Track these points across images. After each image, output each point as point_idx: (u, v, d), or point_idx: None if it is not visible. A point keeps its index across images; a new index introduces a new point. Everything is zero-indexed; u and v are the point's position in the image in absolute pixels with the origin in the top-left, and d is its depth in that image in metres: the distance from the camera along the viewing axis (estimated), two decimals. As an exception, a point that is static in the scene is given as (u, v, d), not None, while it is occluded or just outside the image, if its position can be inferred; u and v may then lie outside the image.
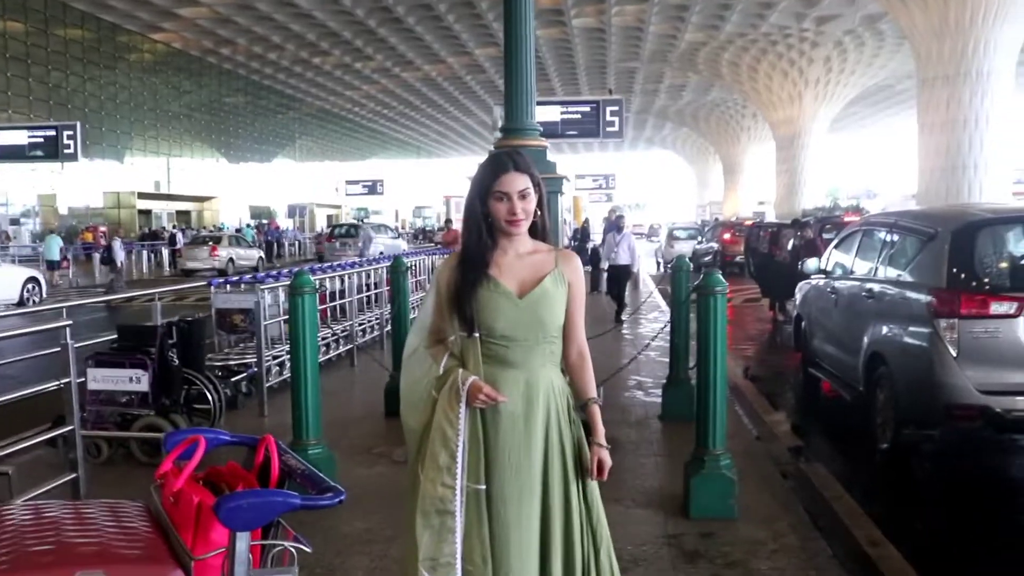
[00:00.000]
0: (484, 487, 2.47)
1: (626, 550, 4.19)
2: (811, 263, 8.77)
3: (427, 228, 55.55)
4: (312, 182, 67.21)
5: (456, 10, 32.54)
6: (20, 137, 24.37)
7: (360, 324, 10.65)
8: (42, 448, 5.55)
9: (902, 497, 5.59)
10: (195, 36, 39.09)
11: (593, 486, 2.63)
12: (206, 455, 2.17)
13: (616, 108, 14.49)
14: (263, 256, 31.05)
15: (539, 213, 2.60)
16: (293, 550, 1.96)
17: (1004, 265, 5.85)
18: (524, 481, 2.49)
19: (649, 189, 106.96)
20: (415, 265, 12.86)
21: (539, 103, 10.04)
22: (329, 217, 64.10)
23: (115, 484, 5.35)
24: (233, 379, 7.72)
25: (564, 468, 2.55)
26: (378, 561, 4.19)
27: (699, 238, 28.11)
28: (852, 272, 7.62)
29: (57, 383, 4.89)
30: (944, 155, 20.98)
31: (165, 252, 31.21)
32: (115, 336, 6.31)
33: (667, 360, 7.55)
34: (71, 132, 23.80)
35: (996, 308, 5.41)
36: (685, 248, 25.20)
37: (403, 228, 58.81)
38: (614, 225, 14.60)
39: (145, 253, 30.52)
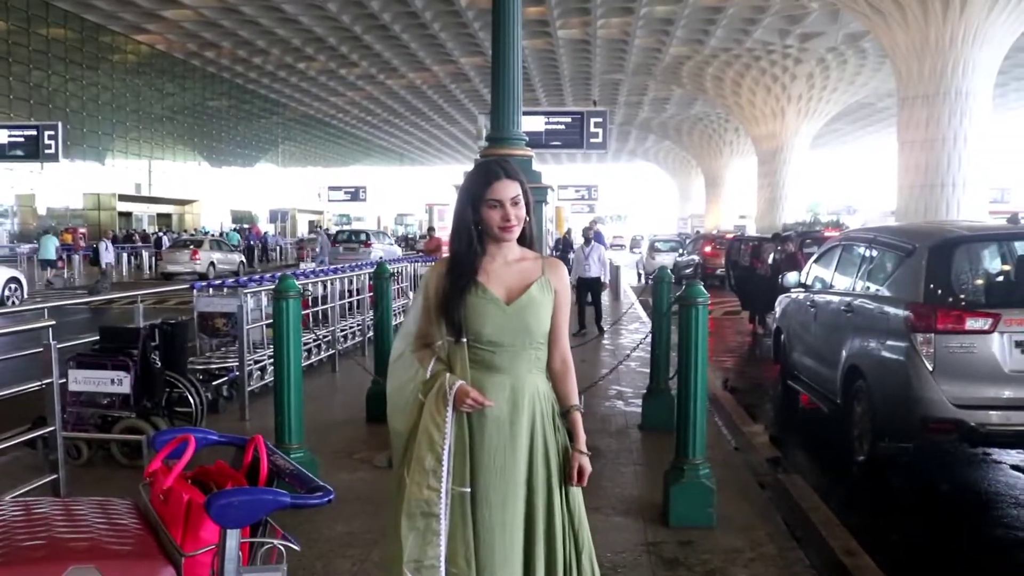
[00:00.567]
0: (469, 490, 2.50)
1: (606, 557, 4.23)
2: (791, 277, 8.86)
3: (409, 236, 55.50)
4: (294, 188, 67.02)
5: (442, 19, 32.62)
6: (0, 136, 24.18)
7: (342, 330, 10.64)
8: (21, 449, 5.52)
9: (878, 508, 5.66)
10: (179, 38, 39.00)
11: (576, 492, 2.67)
12: (194, 455, 2.19)
13: (600, 120, 14.62)
14: (244, 261, 30.92)
15: (527, 220, 2.64)
16: (282, 548, 1.98)
17: (980, 282, 5.96)
18: (508, 485, 2.52)
19: (631, 201, 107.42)
20: (399, 272, 12.88)
21: (523, 113, 10.11)
22: (311, 223, 63.92)
23: (95, 486, 5.33)
24: (214, 383, 7.72)
25: (548, 473, 2.58)
26: (359, 564, 4.21)
27: (680, 250, 28.23)
28: (831, 286, 7.71)
29: (39, 384, 4.88)
30: (923, 173, 21.23)
31: (145, 255, 31.00)
32: (97, 338, 6.30)
33: (647, 371, 7.60)
34: (52, 132, 23.63)
35: (972, 324, 5.50)
36: (666, 260, 25.32)
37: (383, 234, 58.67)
38: (590, 237, 14.66)
39: (125, 256, 30.31)
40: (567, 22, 32.67)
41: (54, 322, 5.16)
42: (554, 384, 2.71)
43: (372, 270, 9.32)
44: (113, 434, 5.91)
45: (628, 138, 65.92)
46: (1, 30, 36.19)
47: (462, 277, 2.56)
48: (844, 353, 6.69)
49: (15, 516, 2.02)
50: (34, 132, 23.98)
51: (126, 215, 44.40)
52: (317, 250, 28.80)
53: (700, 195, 64.36)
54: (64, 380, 5.65)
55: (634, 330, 13.67)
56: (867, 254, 7.06)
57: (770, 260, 14.49)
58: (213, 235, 35.49)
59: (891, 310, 6.03)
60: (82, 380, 5.90)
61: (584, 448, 2.64)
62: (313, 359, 9.77)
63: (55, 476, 4.88)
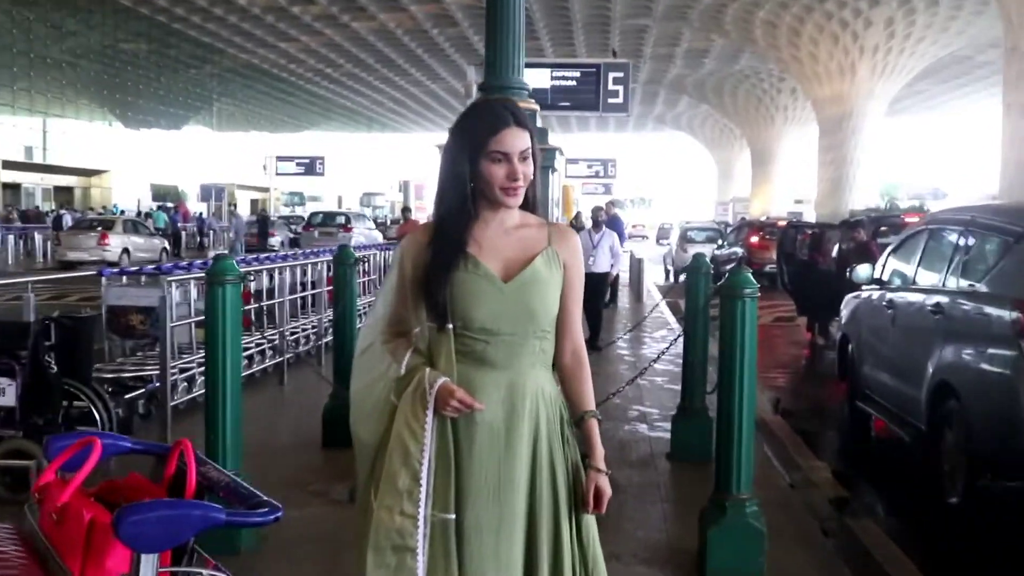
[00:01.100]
0: (454, 517, 2.48)
1: (627, 617, 4.20)
2: (863, 270, 8.85)
3: (379, 219, 55.55)
4: (233, 158, 67.03)
5: (422, -57, 32.63)
6: None
7: (293, 332, 10.61)
8: None
9: (975, 563, 5.62)
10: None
11: (590, 522, 2.65)
12: (100, 467, 2.14)
13: (621, 74, 14.61)
14: (168, 248, 30.91)
15: (531, 178, 2.63)
16: (211, 580, 1.93)
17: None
18: (504, 511, 2.50)
19: (658, 181, 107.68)
20: (367, 260, 12.84)
21: (526, 64, 10.10)
22: (254, 202, 63.94)
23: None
24: (127, 396, 7.66)
25: (555, 496, 2.56)
26: (311, 623, 4.17)
27: (719, 241, 28.26)
28: (915, 282, 7.70)
29: None
30: (1035, 143, 21.17)
31: (38, 239, 30.95)
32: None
33: (677, 387, 7.61)
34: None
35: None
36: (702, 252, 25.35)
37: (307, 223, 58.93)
38: (601, 220, 14.33)
39: (11, 240, 30.25)
40: (581, -50, 32.70)
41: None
42: (564, 384, 2.70)
43: (331, 257, 9.30)
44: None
45: (655, 101, 65.88)
46: None
47: (448, 247, 2.55)
48: (932, 366, 6.67)
49: None
50: None
51: (12, 187, 44.27)
52: (231, 235, 29.11)
53: (745, 174, 64.36)
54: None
55: (660, 339, 13.70)
56: (962, 241, 7.04)
57: (834, 252, 14.48)
58: (129, 215, 35.50)
59: (994, 311, 6.01)
60: (-49, 390, 5.84)
61: (602, 464, 2.62)
62: (256, 367, 9.74)
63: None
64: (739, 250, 25.27)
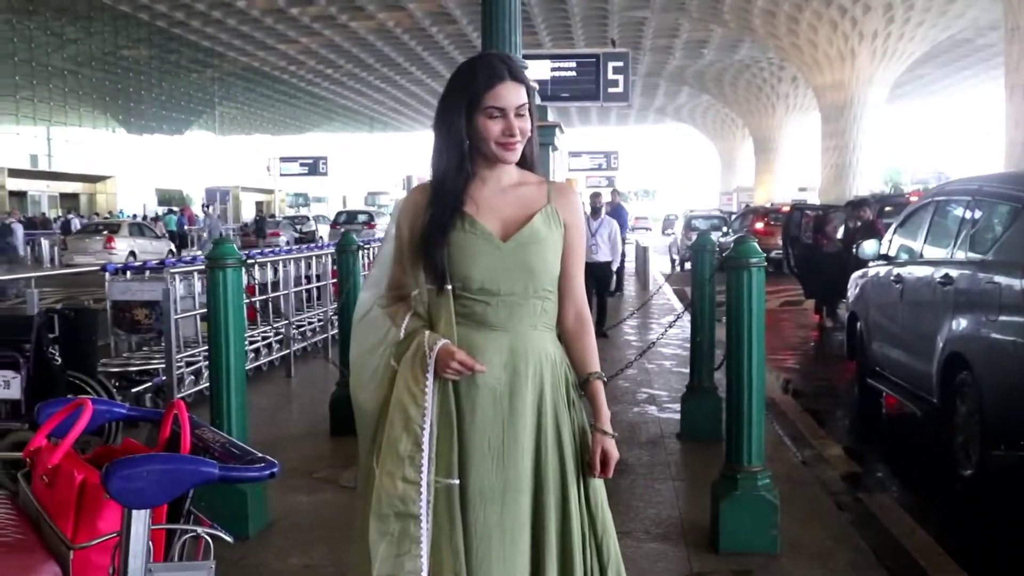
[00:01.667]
0: (457, 482, 2.42)
1: (640, 591, 4.14)
2: (869, 246, 8.78)
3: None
4: (237, 161, 67.05)
5: (420, -59, 32.55)
6: None
7: (299, 325, 10.57)
8: None
9: (991, 535, 5.55)
10: (86, -31, 38.79)
11: (598, 486, 2.59)
12: (95, 432, 2.08)
13: (620, 64, 14.40)
14: (174, 250, 30.96)
15: (529, 136, 2.58)
16: (208, 539, 1.86)
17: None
18: (509, 475, 2.45)
19: (661, 172, 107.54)
20: (369, 247, 12.80)
21: (526, 56, 10.01)
22: (259, 204, 63.91)
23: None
24: (134, 390, 7.63)
25: (561, 460, 2.51)
26: (319, 605, 4.12)
27: (724, 229, 28.23)
28: (922, 256, 7.62)
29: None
30: (1037, 124, 21.08)
31: (46, 244, 30.99)
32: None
33: (686, 370, 7.57)
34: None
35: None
36: (707, 241, 25.38)
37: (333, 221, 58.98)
38: (599, 207, 13.86)
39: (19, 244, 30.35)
40: (578, -57, 32.60)
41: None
42: (567, 346, 2.64)
43: (334, 250, 9.26)
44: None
45: (655, 93, 65.83)
46: None
47: (445, 207, 2.49)
48: (942, 339, 6.59)
49: None
50: None
51: (19, 195, 44.29)
52: (204, 235, 29.30)
53: (748, 163, 64.37)
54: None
55: (667, 324, 13.53)
56: (969, 212, 6.95)
57: (839, 234, 14.39)
58: (137, 218, 35.59)
59: (1004, 279, 5.92)
60: (-43, 383, 5.78)
61: (608, 427, 2.57)
62: (263, 360, 9.75)
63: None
64: (748, 236, 25.27)
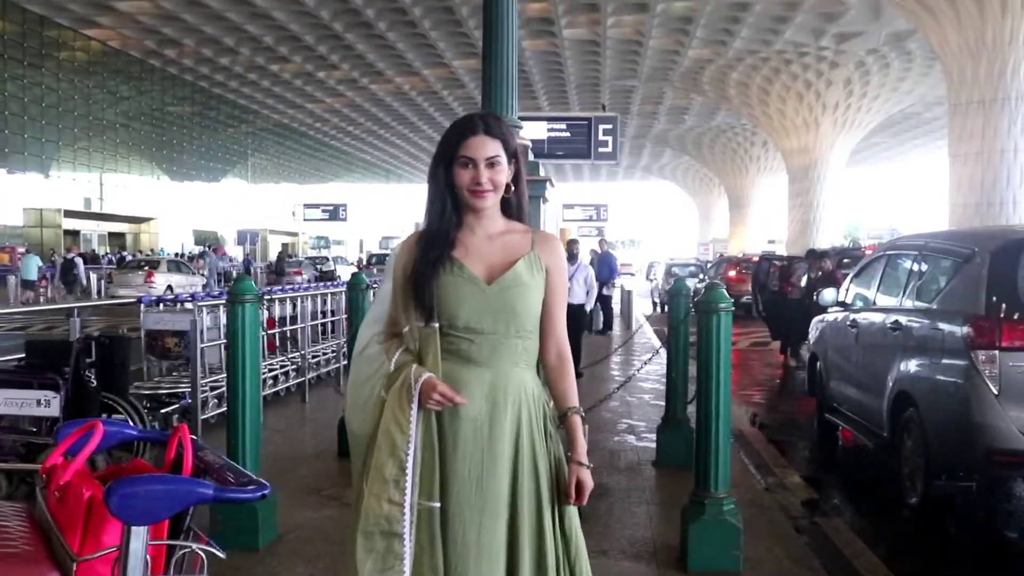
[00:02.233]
0: (439, 505, 2.39)
1: (613, 605, 4.05)
2: (828, 294, 8.75)
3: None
4: (265, 206, 67.17)
5: (432, 16, 32.74)
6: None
7: (314, 355, 10.50)
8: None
9: (933, 557, 5.47)
10: (135, 34, 38.97)
11: (572, 513, 2.54)
12: (108, 451, 2.02)
13: (610, 126, 14.46)
14: (208, 285, 30.91)
15: (513, 188, 2.57)
16: (203, 555, 1.81)
17: (1051, 292, 5.80)
18: (487, 500, 2.40)
19: (645, 224, 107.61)
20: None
21: (523, 118, 10.01)
22: (284, 245, 63.95)
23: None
24: (163, 411, 7.55)
25: (536, 488, 2.46)
26: (320, 612, 4.03)
27: (700, 276, 28.20)
28: (875, 303, 7.58)
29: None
30: (978, 189, 21.15)
31: (94, 278, 30.98)
32: (23, 355, 6.14)
33: (663, 403, 7.49)
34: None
35: (1043, 339, 5.35)
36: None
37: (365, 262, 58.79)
38: (575, 253, 13.06)
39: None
40: (574, 20, 32.77)
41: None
42: (549, 383, 2.61)
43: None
44: (38, 464, 5.73)
45: (641, 153, 66.11)
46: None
47: (434, 249, 2.48)
48: (891, 379, 6.54)
49: None
50: (-36, 136, 24.08)
51: (72, 233, 44.34)
52: (204, 272, 29.37)
53: (723, 217, 64.51)
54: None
55: (646, 358, 13.46)
56: (916, 265, 6.92)
57: (803, 282, 14.35)
58: (182, 254, 35.63)
59: (947, 326, 5.88)
60: (3, 401, 5.72)
61: (584, 459, 2.51)
62: (280, 386, 9.67)
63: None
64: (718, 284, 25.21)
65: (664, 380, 7.53)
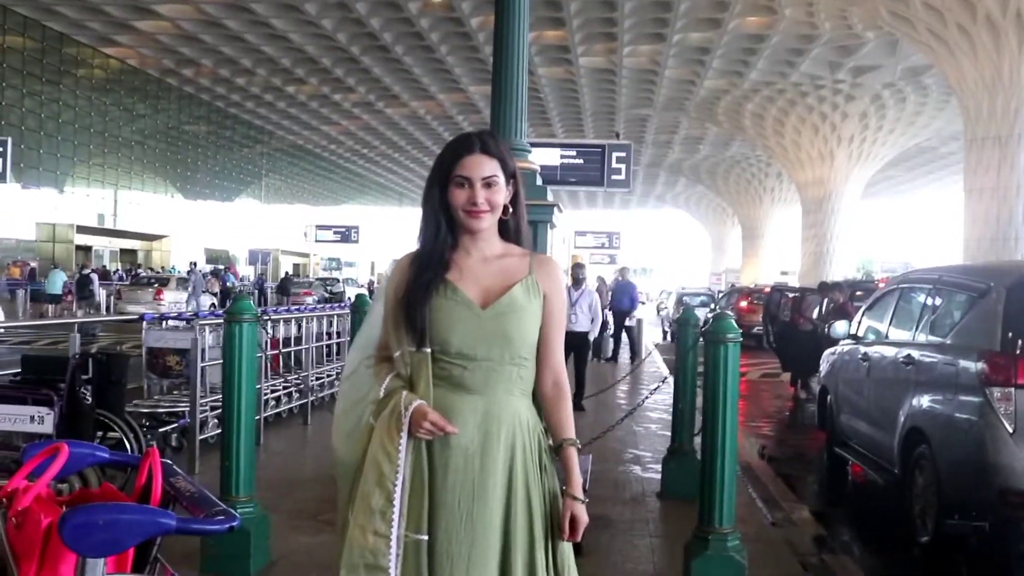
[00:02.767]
0: (426, 538, 2.30)
1: (611, 643, 3.92)
2: (840, 326, 8.64)
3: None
4: (278, 226, 67.30)
5: (450, 41, 32.85)
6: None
7: (318, 377, 10.42)
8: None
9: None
10: (153, 53, 39.27)
11: (565, 549, 2.44)
12: (73, 473, 1.92)
13: (623, 154, 14.42)
14: (216, 304, 30.93)
15: (511, 210, 2.50)
16: (167, 590, 1.70)
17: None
18: (478, 533, 2.31)
19: (658, 252, 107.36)
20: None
21: (535, 145, 9.93)
22: (295, 266, 64.08)
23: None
24: (161, 429, 7.47)
25: (530, 522, 2.36)
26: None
27: (712, 305, 28.07)
28: (887, 337, 7.46)
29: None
30: (994, 224, 21.00)
31: (103, 293, 31.02)
32: (19, 370, 6.06)
33: (669, 433, 7.37)
34: (1, 149, 23.69)
35: (1060, 376, 5.22)
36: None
37: (377, 283, 58.71)
38: (581, 278, 12.33)
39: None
40: (590, 48, 32.84)
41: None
42: (545, 412, 2.52)
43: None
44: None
45: (655, 181, 66.07)
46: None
47: (428, 271, 2.40)
48: (903, 414, 6.41)
49: None
50: (-21, 148, 24.16)
51: (84, 249, 44.42)
52: (189, 290, 29.37)
53: (736, 248, 64.31)
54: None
55: (654, 390, 13.33)
56: (930, 299, 6.80)
57: (815, 314, 14.21)
58: (193, 271, 35.68)
59: (961, 361, 5.75)
60: (-4, 416, 5.63)
61: (579, 493, 2.42)
62: (282, 407, 9.56)
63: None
64: (730, 314, 25.05)
65: (671, 410, 7.42)
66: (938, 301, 6.66)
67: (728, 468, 4.49)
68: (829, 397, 8.79)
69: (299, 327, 10.27)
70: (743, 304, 24.99)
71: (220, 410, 7.81)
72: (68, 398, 5.72)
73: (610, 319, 18.20)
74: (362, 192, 78.97)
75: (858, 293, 14.61)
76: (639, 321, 19.67)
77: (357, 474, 2.36)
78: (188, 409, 7.56)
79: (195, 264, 44.36)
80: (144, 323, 8.21)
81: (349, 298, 37.56)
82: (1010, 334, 5.46)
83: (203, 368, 7.58)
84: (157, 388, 8.40)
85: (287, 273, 43.55)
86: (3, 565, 1.73)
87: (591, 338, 12.01)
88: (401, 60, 35.53)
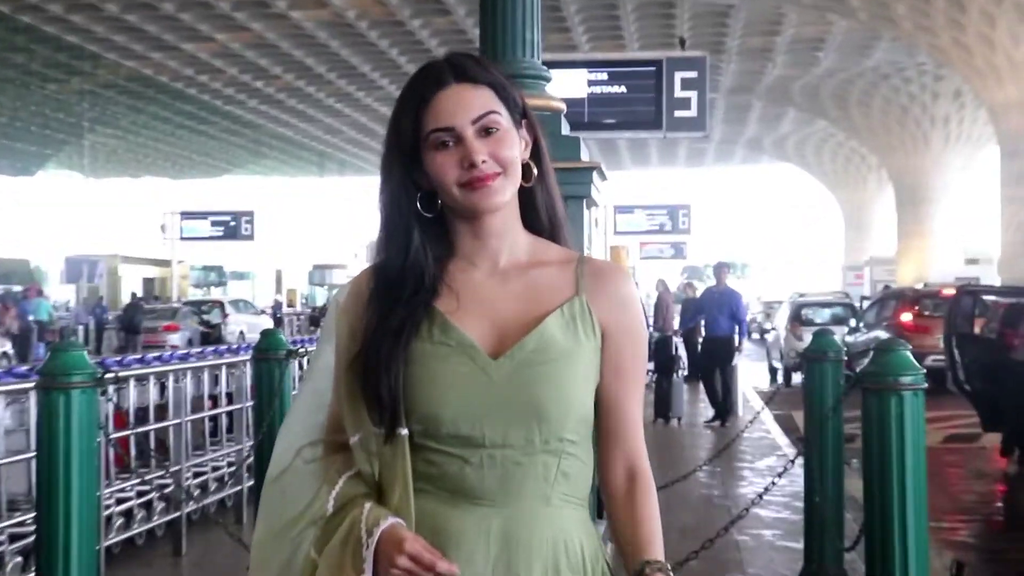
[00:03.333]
0: None
1: None
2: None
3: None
4: (115, 217, 67.60)
5: None
6: None
7: (196, 473, 10.47)
8: None
9: None
10: None
11: None
12: None
13: (694, 74, 14.33)
14: (8, 353, 31.19)
15: (534, 174, 2.50)
16: None
17: None
18: None
19: (753, 237, 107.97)
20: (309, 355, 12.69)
21: (549, 64, 9.88)
22: (148, 283, 64.20)
23: None
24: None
25: None
26: None
27: (852, 322, 28.17)
28: None
29: None
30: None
31: None
32: None
33: (796, 544, 7.48)
34: None
35: None
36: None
37: (287, 305, 59.09)
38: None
39: None
40: None
41: None
42: (613, 522, 2.51)
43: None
44: None
45: (745, 118, 66.29)
46: None
47: (398, 301, 2.40)
48: None
49: None
50: None
51: None
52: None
53: (887, 223, 64.59)
54: None
55: (765, 470, 13.63)
56: None
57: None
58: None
59: None
60: None
61: None
62: (137, 528, 9.55)
63: None
64: (884, 335, 25.08)
65: (799, 505, 7.46)
66: None
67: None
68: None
69: (162, 390, 10.30)
70: (906, 318, 25.16)
71: (28, 539, 7.85)
72: None
73: (682, 350, 18.30)
74: (256, 153, 79.14)
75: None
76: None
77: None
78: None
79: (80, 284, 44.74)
80: None
81: (240, 335, 37.87)
82: None
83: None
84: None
85: (134, 296, 43.52)
86: None
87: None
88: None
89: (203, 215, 58.30)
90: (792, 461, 7.90)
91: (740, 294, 19.76)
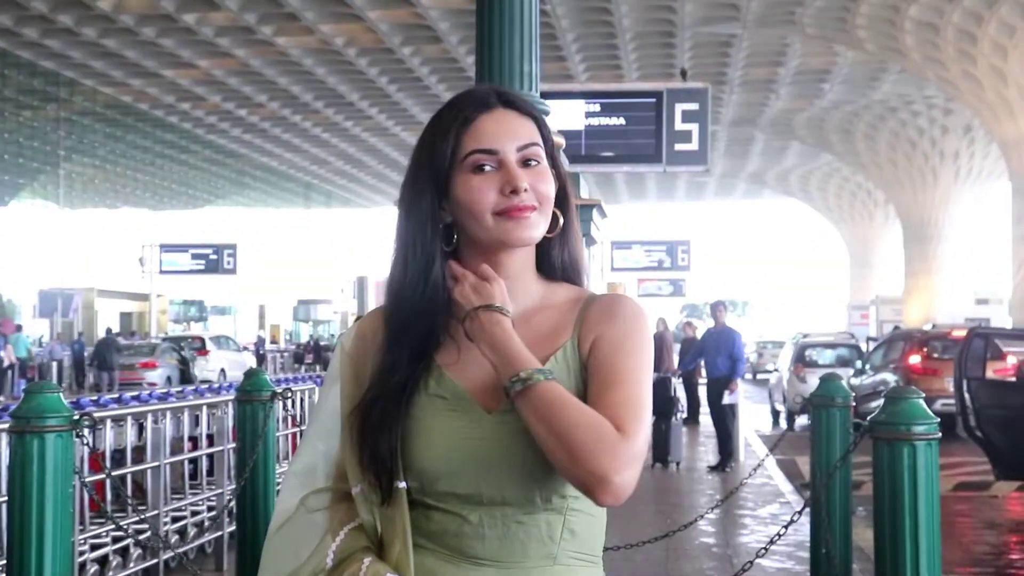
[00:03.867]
0: None
1: None
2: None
3: (321, 342, 55.69)
4: (91, 248, 67.55)
5: None
6: None
7: (175, 518, 10.42)
8: None
9: None
10: None
11: None
12: None
13: (695, 105, 14.35)
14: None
15: (559, 223, 2.42)
16: None
17: None
18: None
19: (754, 274, 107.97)
20: (298, 397, 12.63)
21: (546, 95, 9.88)
22: (125, 318, 64.13)
23: None
24: None
25: None
26: None
27: (858, 364, 28.13)
28: None
29: None
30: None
31: None
32: None
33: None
34: None
35: None
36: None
37: (271, 342, 58.89)
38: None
39: None
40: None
41: None
42: None
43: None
44: None
45: (748, 151, 66.48)
46: None
47: (397, 350, 2.36)
48: None
49: None
50: None
51: None
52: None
53: (893, 260, 64.70)
54: None
55: (768, 519, 13.57)
56: None
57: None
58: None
59: None
60: None
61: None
62: (114, 575, 9.46)
63: None
64: (891, 377, 25.06)
65: (804, 556, 7.42)
66: None
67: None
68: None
69: (140, 431, 10.26)
70: (914, 360, 25.11)
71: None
72: None
73: (680, 393, 18.25)
74: (239, 184, 79.16)
75: None
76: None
77: None
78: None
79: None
80: None
81: (223, 371, 37.77)
82: None
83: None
84: None
85: (109, 331, 43.39)
86: None
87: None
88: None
89: (183, 248, 58.32)
90: (799, 512, 7.88)
91: (738, 333, 19.71)
